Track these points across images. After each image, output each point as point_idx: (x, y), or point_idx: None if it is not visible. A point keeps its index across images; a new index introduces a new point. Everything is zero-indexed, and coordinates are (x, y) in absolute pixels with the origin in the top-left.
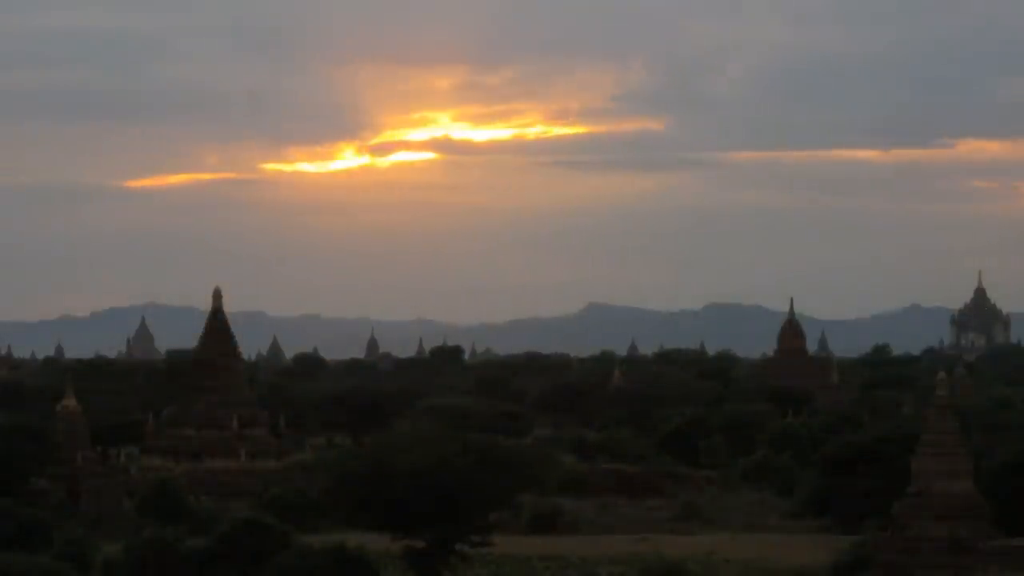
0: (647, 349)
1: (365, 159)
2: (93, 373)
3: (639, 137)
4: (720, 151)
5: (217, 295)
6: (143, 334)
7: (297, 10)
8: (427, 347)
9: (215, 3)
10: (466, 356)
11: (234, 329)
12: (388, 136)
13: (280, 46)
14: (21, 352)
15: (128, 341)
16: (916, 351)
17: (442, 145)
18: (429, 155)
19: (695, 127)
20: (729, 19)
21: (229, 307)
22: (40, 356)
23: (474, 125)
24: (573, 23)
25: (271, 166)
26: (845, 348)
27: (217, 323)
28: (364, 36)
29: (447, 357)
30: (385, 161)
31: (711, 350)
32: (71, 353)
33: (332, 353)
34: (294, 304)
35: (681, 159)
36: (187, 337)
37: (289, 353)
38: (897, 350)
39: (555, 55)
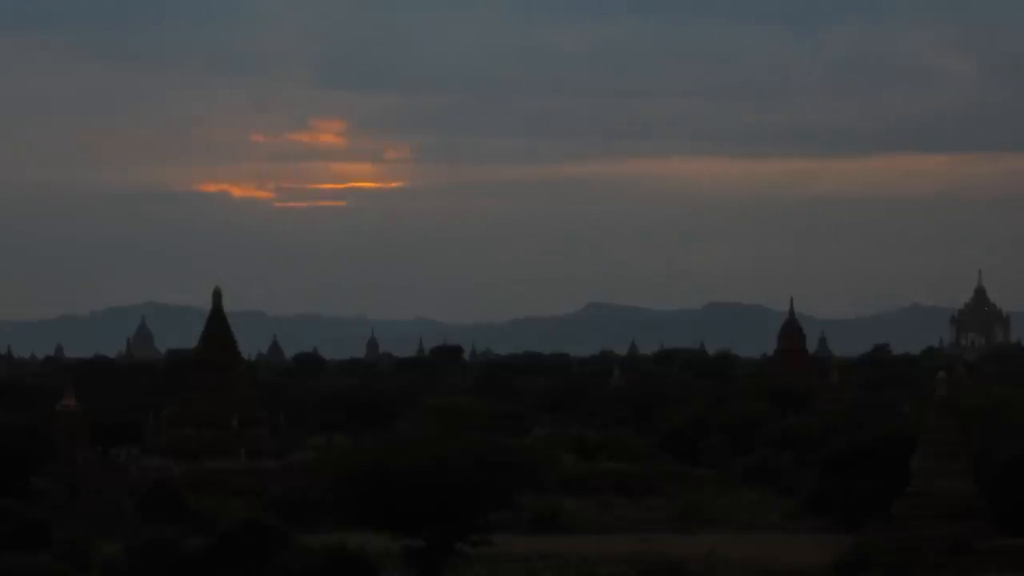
0: (647, 349)
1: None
2: (93, 373)
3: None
4: (718, 152)
5: (217, 295)
6: (143, 334)
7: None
8: (427, 347)
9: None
10: (466, 356)
11: (234, 329)
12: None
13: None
14: (21, 352)
15: (128, 341)
16: (916, 351)
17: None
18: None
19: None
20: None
21: (229, 307)
22: (40, 356)
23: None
24: None
25: (272, 165)
26: (845, 348)
27: (217, 323)
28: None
29: (447, 357)
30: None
31: (711, 350)
32: (71, 353)
33: (332, 353)
34: (294, 304)
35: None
36: (187, 337)
37: (289, 353)
38: (897, 350)
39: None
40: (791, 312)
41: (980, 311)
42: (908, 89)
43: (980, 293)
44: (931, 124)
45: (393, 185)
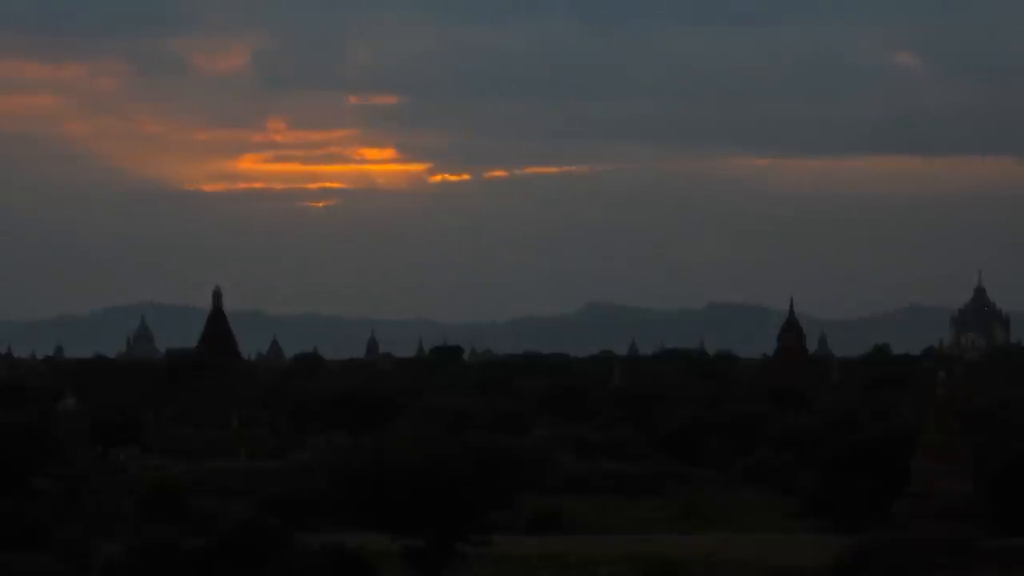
0: (647, 349)
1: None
2: (93, 373)
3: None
4: (718, 152)
5: (217, 295)
6: (143, 334)
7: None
8: (427, 347)
9: None
10: (466, 356)
11: (234, 329)
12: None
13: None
14: (21, 352)
15: (128, 341)
16: (916, 351)
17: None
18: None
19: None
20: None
21: (229, 307)
22: (40, 356)
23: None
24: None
25: (272, 164)
26: (845, 348)
27: (217, 323)
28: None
29: (447, 357)
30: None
31: (711, 350)
32: (71, 353)
33: (332, 353)
34: (294, 304)
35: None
36: (187, 337)
37: (289, 353)
38: (897, 350)
39: None
40: (791, 312)
41: (980, 311)
42: (908, 90)
43: (980, 293)
44: (930, 124)
45: (395, 184)
